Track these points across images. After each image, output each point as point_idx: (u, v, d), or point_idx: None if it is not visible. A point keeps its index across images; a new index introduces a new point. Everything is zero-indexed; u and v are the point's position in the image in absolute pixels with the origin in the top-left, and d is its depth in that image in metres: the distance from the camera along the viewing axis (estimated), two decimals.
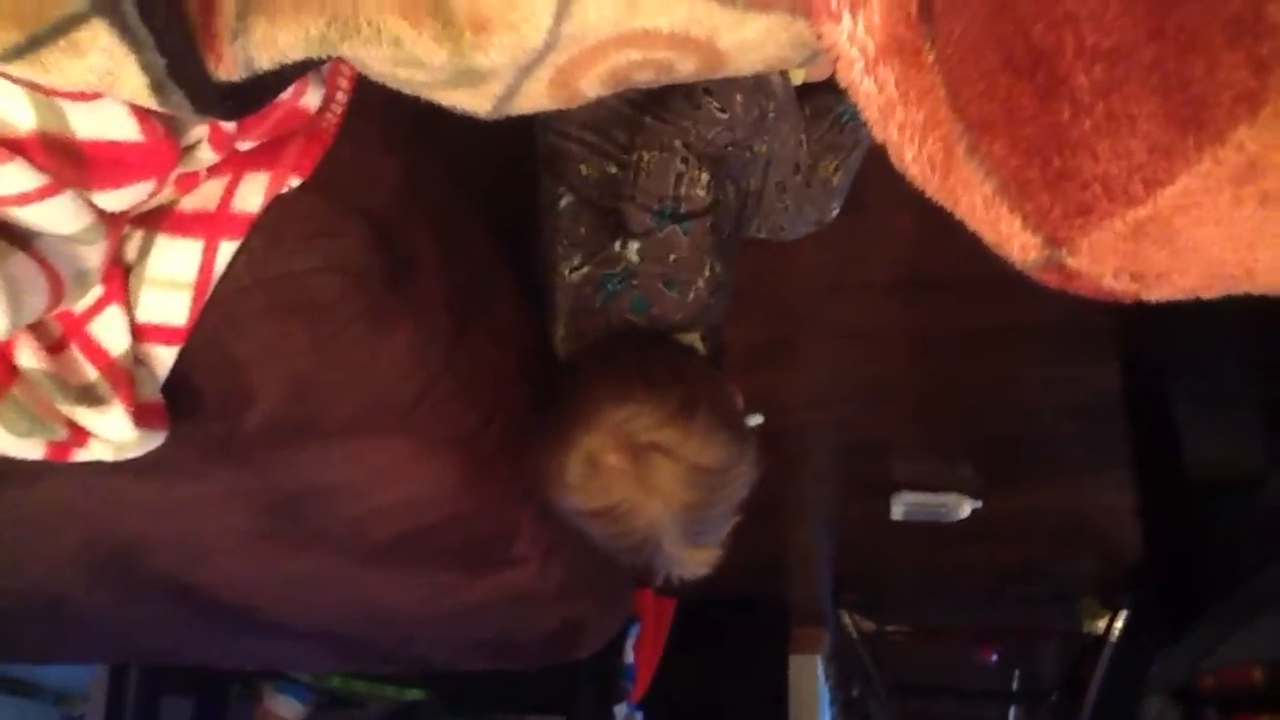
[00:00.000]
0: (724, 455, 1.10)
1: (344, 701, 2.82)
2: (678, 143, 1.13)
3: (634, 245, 1.15)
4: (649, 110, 1.15)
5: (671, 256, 1.15)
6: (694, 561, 1.15)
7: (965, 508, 2.54)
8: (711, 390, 1.16)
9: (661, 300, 1.16)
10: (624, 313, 1.17)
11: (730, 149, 1.18)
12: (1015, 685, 3.62)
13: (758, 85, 1.16)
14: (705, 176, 1.14)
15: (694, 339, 1.21)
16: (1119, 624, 2.85)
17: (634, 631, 2.73)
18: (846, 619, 3.06)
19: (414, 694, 2.73)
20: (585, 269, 1.19)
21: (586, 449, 1.08)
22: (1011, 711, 3.74)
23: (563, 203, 1.21)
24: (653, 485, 1.07)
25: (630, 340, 1.18)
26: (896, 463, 2.51)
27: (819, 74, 1.23)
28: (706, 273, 1.17)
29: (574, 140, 1.20)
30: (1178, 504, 2.22)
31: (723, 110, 1.13)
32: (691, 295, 1.17)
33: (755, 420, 1.24)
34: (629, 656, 2.70)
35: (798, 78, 1.21)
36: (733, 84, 1.13)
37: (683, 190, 1.13)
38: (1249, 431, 2.03)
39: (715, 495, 1.11)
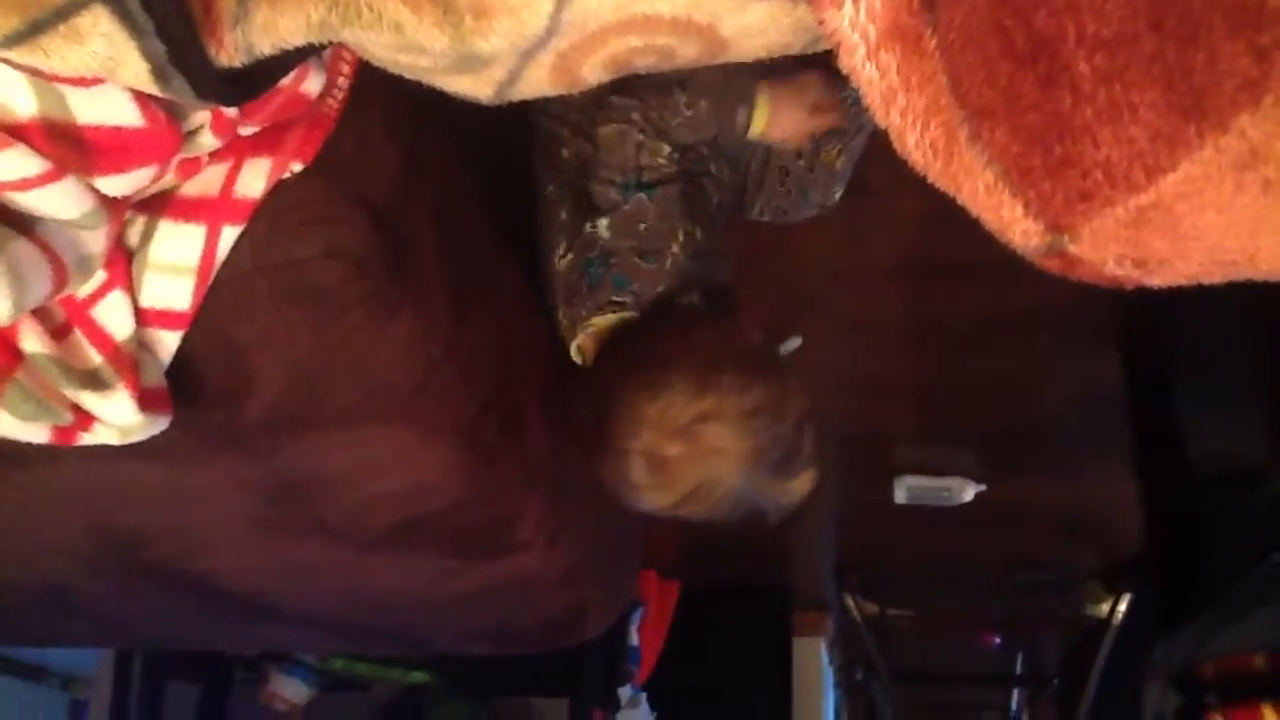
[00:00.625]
0: (763, 392, 1.10)
1: (349, 684, 2.83)
2: (635, 115, 1.13)
3: (604, 222, 1.16)
4: (614, 90, 1.15)
5: (641, 226, 1.15)
6: (796, 489, 1.16)
7: (968, 492, 2.54)
8: (725, 339, 1.16)
9: (639, 274, 1.17)
10: (609, 294, 1.18)
11: (684, 153, 1.17)
12: (1018, 669, 3.63)
13: (732, 103, 1.16)
14: (666, 147, 1.14)
15: (692, 299, 1.22)
16: (1122, 607, 2.85)
17: (638, 614, 2.73)
18: (850, 602, 3.07)
19: (419, 676, 2.74)
20: (569, 256, 1.20)
21: (643, 452, 1.10)
22: (1014, 695, 3.76)
23: (549, 189, 1.22)
24: (716, 451, 1.09)
25: (631, 330, 1.19)
26: (899, 447, 2.52)
27: (779, 134, 1.23)
28: (681, 237, 1.17)
29: (563, 123, 1.20)
30: (1180, 495, 2.22)
31: (688, 108, 1.14)
32: (669, 263, 1.17)
33: (794, 343, 1.25)
34: (633, 639, 2.71)
35: (759, 123, 1.20)
36: (707, 90, 1.14)
37: (644, 160, 1.13)
38: (1252, 423, 2.03)
39: (776, 429, 1.11)
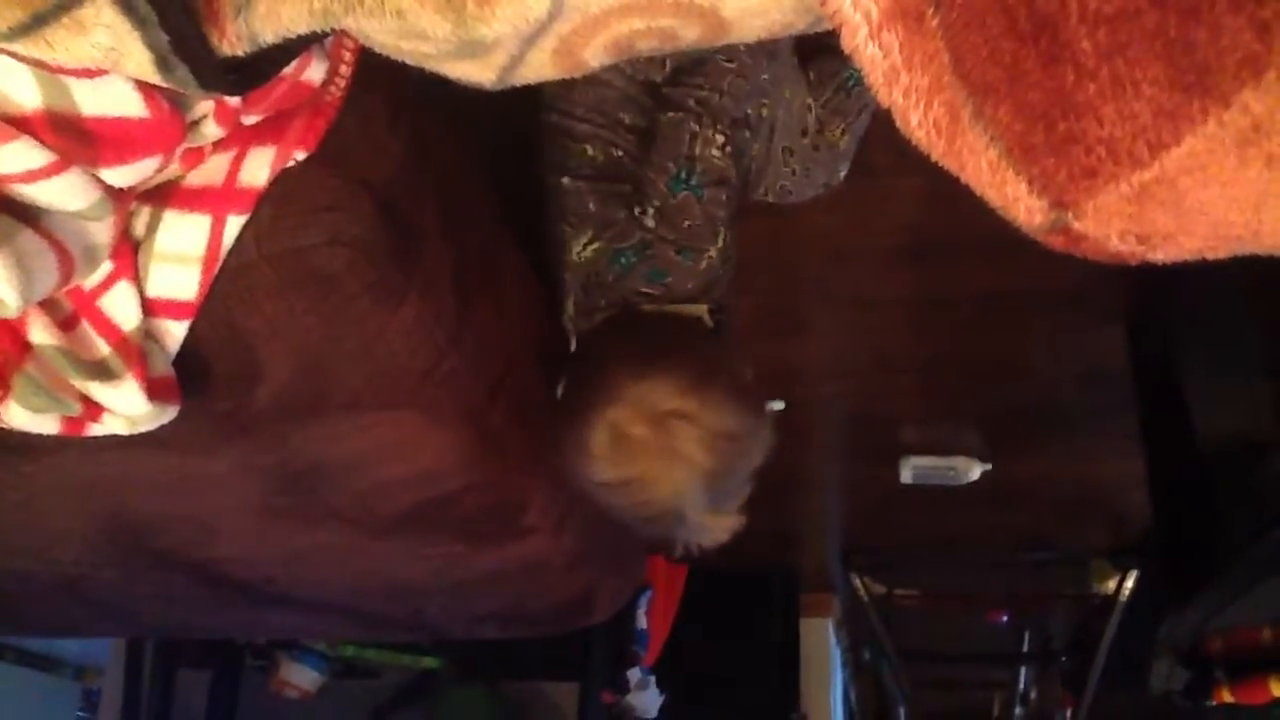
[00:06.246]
0: (741, 421, 1.12)
1: (359, 670, 2.84)
2: (691, 101, 1.14)
3: (651, 211, 1.16)
4: (666, 82, 1.16)
5: (686, 223, 1.15)
6: (716, 528, 1.17)
7: (974, 471, 2.54)
8: (724, 359, 1.19)
9: (676, 269, 1.17)
10: (638, 285, 1.18)
11: (747, 108, 1.17)
12: (1026, 647, 3.64)
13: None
14: (720, 138, 1.14)
15: (701, 311, 1.22)
16: (1129, 584, 2.86)
17: (646, 597, 2.74)
18: (857, 583, 3.08)
19: (429, 662, 2.75)
20: (596, 244, 1.20)
21: (611, 421, 1.09)
22: (1022, 673, 3.77)
23: (565, 182, 1.22)
24: (675, 452, 1.09)
25: (641, 316, 1.20)
26: (905, 427, 2.52)
27: None
28: (720, 242, 1.18)
29: (580, 120, 1.20)
30: (1186, 469, 2.22)
31: (729, 60, 1.14)
32: (704, 263, 1.18)
33: (777, 406, 1.27)
34: (641, 622, 2.72)
35: None
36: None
37: (697, 150, 1.13)
38: (1258, 396, 2.03)
39: (735, 461, 1.13)
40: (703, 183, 1.14)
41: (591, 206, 1.20)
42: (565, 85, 1.17)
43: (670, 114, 1.14)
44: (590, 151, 1.20)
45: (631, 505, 1.15)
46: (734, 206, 1.21)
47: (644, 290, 1.18)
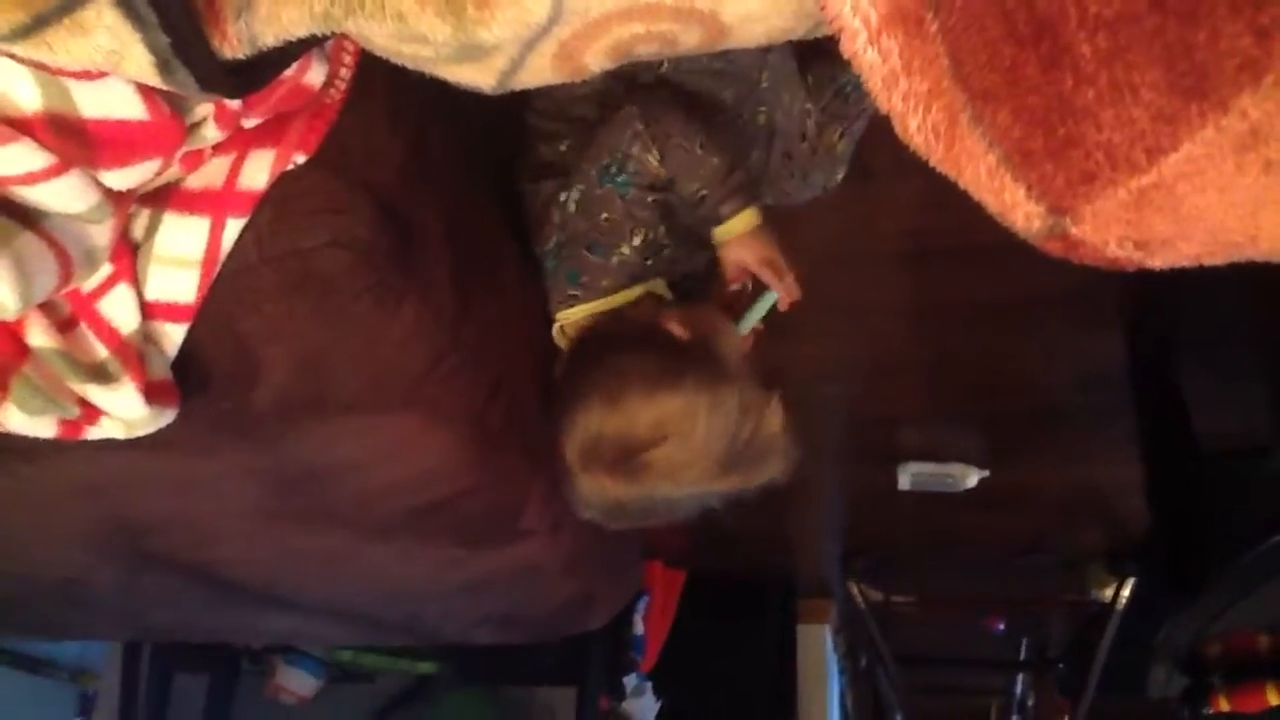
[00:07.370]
0: (676, 405, 1.09)
1: (356, 675, 2.84)
2: (639, 109, 1.12)
3: (573, 196, 1.15)
4: (658, 83, 1.16)
5: (604, 216, 1.14)
6: (764, 476, 1.16)
7: (972, 478, 2.54)
8: (634, 356, 1.15)
9: (586, 267, 1.17)
10: (565, 289, 1.19)
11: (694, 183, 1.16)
12: (1023, 654, 3.64)
13: (732, 185, 1.15)
14: (659, 153, 1.12)
15: (646, 289, 1.22)
16: (1126, 591, 2.85)
17: (643, 603, 2.74)
18: (854, 589, 3.07)
19: (426, 667, 2.75)
20: (538, 248, 1.21)
21: (592, 491, 1.13)
22: (1019, 680, 3.76)
23: (528, 185, 1.23)
24: (661, 479, 1.10)
25: (581, 339, 1.21)
26: (903, 433, 2.52)
27: (735, 253, 1.20)
28: (636, 241, 1.16)
29: (549, 118, 1.21)
30: (1184, 472, 2.23)
31: (701, 149, 1.13)
32: (615, 259, 1.17)
33: (767, 300, 1.23)
34: (638, 628, 2.72)
35: (737, 225, 1.18)
36: (721, 154, 1.14)
37: (634, 150, 1.12)
38: (1256, 400, 2.04)
39: (706, 435, 1.10)
40: (632, 182, 1.13)
41: (538, 209, 1.21)
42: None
43: (628, 107, 1.13)
44: (547, 150, 1.21)
45: (667, 522, 1.17)
46: (669, 211, 1.18)
47: (571, 293, 1.19)
